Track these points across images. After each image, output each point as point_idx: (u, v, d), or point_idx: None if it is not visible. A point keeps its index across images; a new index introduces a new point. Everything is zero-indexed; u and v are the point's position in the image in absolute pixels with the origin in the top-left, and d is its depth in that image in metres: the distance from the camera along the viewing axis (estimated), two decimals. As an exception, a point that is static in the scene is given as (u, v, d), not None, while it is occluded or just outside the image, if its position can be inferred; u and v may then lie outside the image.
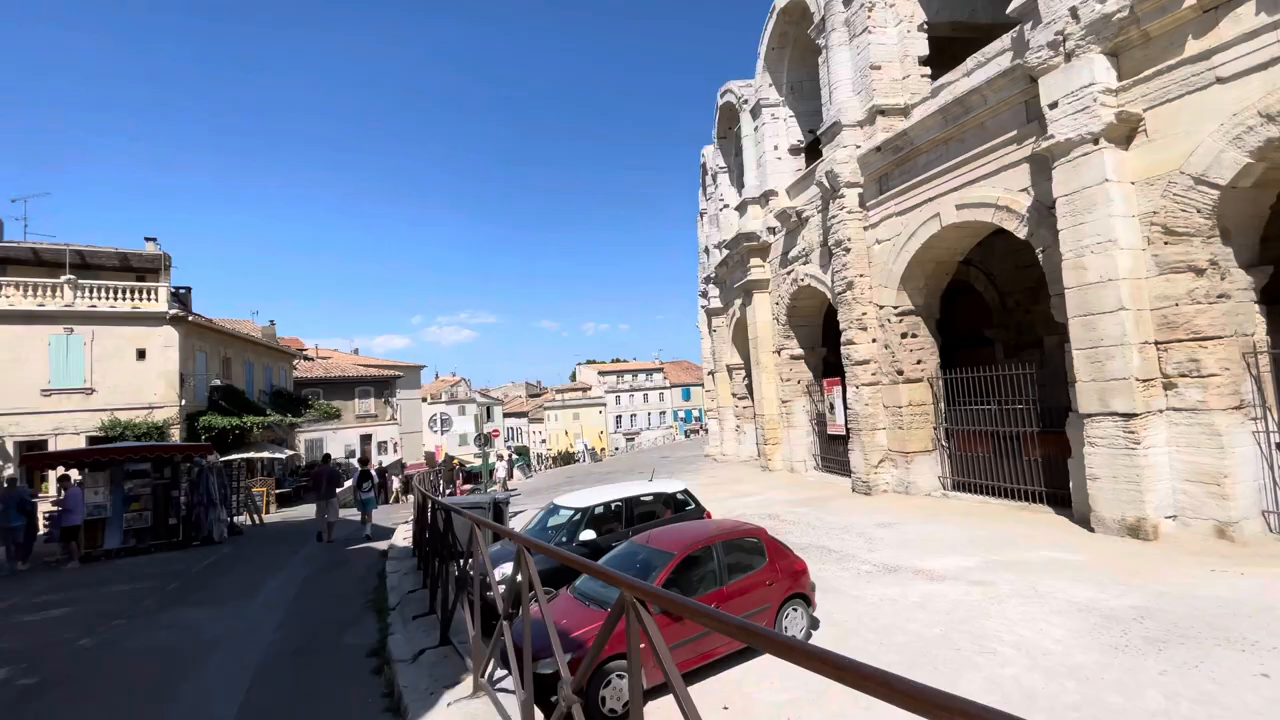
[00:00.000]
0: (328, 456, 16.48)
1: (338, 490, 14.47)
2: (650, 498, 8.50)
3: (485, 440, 16.02)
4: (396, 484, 25.00)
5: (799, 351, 18.12)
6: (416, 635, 5.74)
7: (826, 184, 14.33)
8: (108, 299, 18.89)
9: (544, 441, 77.09)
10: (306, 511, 21.95)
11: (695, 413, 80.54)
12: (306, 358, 40.35)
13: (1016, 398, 11.55)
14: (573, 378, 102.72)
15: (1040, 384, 11.52)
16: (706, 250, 25.99)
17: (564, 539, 7.63)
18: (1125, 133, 9.21)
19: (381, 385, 40.10)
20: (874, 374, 13.73)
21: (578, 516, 7.87)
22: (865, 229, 14.00)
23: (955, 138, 11.90)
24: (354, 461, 36.54)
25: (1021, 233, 10.65)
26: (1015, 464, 11.54)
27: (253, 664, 6.15)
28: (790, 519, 11.81)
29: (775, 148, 19.21)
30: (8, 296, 17.72)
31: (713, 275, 24.49)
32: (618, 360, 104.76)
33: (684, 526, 6.70)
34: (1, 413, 17.08)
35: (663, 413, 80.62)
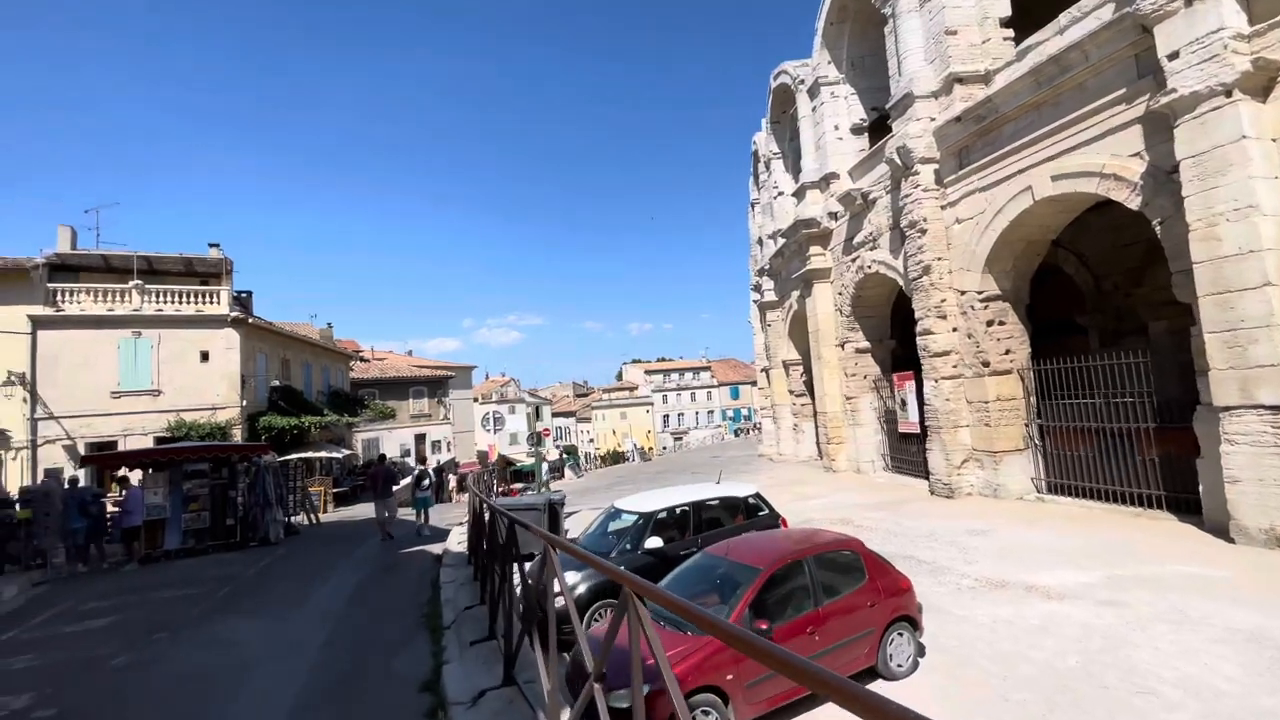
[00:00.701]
0: (384, 456, 16.40)
1: (394, 489, 14.51)
2: (719, 502, 7.77)
3: (537, 439, 15.59)
4: (453, 482, 25.04)
5: (865, 344, 17.01)
6: (475, 669, 5.06)
7: (898, 160, 13.25)
8: (173, 303, 19.41)
9: (591, 441, 77.03)
10: (363, 511, 22.09)
11: (745, 411, 79.06)
12: (363, 359, 41.19)
13: (1124, 390, 10.27)
14: (619, 377, 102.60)
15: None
16: (760, 241, 25.00)
17: (628, 546, 6.98)
18: (1263, 83, 7.96)
19: (435, 385, 40.57)
20: (955, 366, 12.60)
21: (641, 522, 7.20)
22: (943, 208, 12.86)
23: (1048, 102, 10.70)
24: (409, 460, 37.05)
25: (1133, 203, 9.41)
26: (1125, 464, 10.26)
27: (288, 698, 5.46)
28: (866, 524, 10.85)
29: (835, 128, 18.13)
30: (79, 302, 18.38)
31: (766, 267, 23.49)
32: (664, 359, 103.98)
33: (767, 537, 5.94)
34: (74, 414, 17.73)
35: (710, 412, 79.45)
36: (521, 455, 55.48)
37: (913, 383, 14.61)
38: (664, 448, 68.37)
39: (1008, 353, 12.19)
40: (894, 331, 17.23)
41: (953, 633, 6.16)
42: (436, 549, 12.11)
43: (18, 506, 11.03)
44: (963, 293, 12.50)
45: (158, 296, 19.21)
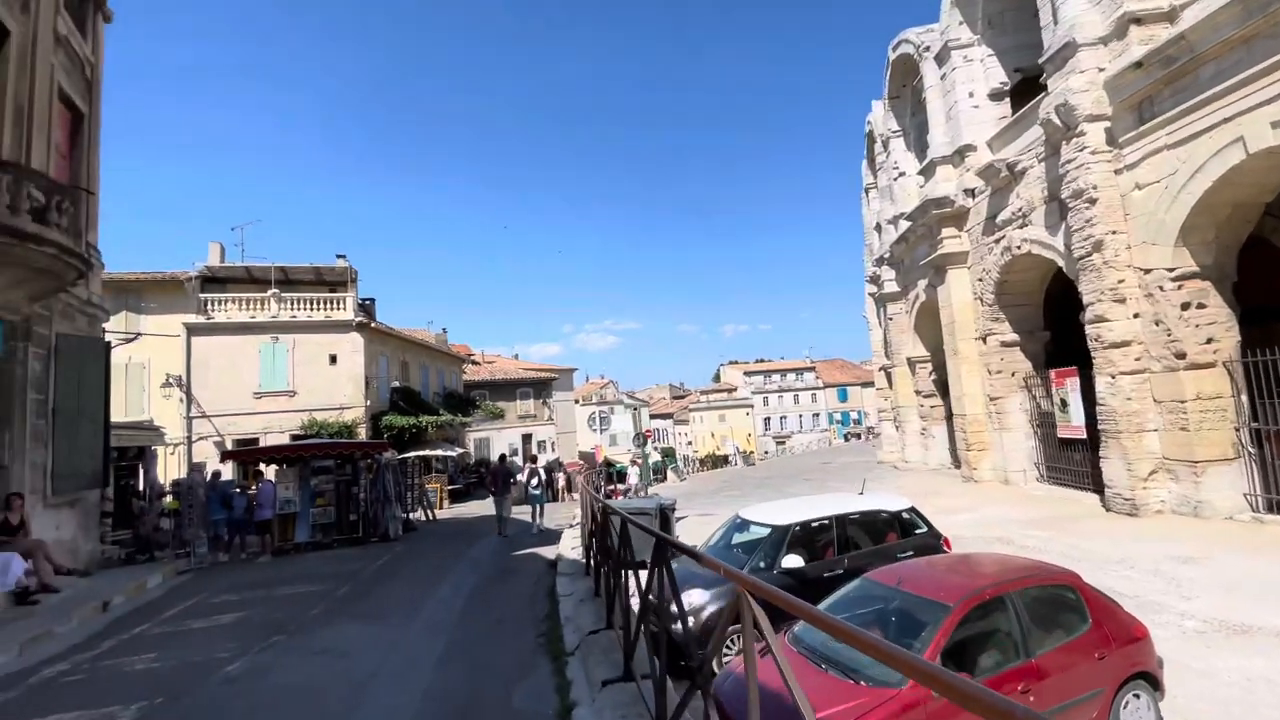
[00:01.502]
0: (504, 456, 16.71)
1: (511, 486, 14.95)
2: (866, 516, 6.68)
3: (642, 440, 15.03)
4: (562, 481, 25.16)
5: (1012, 337, 15.00)
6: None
7: (1057, 121, 11.41)
8: (305, 310, 20.83)
9: (689, 443, 75.97)
10: (475, 508, 22.59)
11: (855, 415, 75.05)
12: (474, 362, 42.85)
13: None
14: (716, 378, 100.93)
15: None
16: (878, 228, 23.13)
17: (760, 564, 6.10)
18: None
19: (540, 387, 41.45)
20: (1138, 359, 10.61)
21: (775, 536, 6.29)
22: (1117, 172, 10.91)
23: (1263, 33, 8.67)
24: (518, 459, 38.01)
25: None
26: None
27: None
28: (1031, 545, 9.26)
29: (970, 95, 16.23)
30: (226, 310, 20.12)
31: (887, 255, 21.62)
32: (762, 360, 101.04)
33: (948, 564, 4.87)
34: (222, 413, 19.40)
35: (815, 415, 76.01)
36: (620, 456, 55.66)
37: (1075, 379, 12.61)
38: (765, 452, 66.11)
39: (1209, 341, 10.08)
40: (1047, 322, 15.10)
41: (1195, 692, 4.78)
42: (549, 552, 11.72)
43: (169, 498, 11.98)
44: (1146, 271, 10.50)
45: (292, 304, 20.70)
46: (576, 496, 21.30)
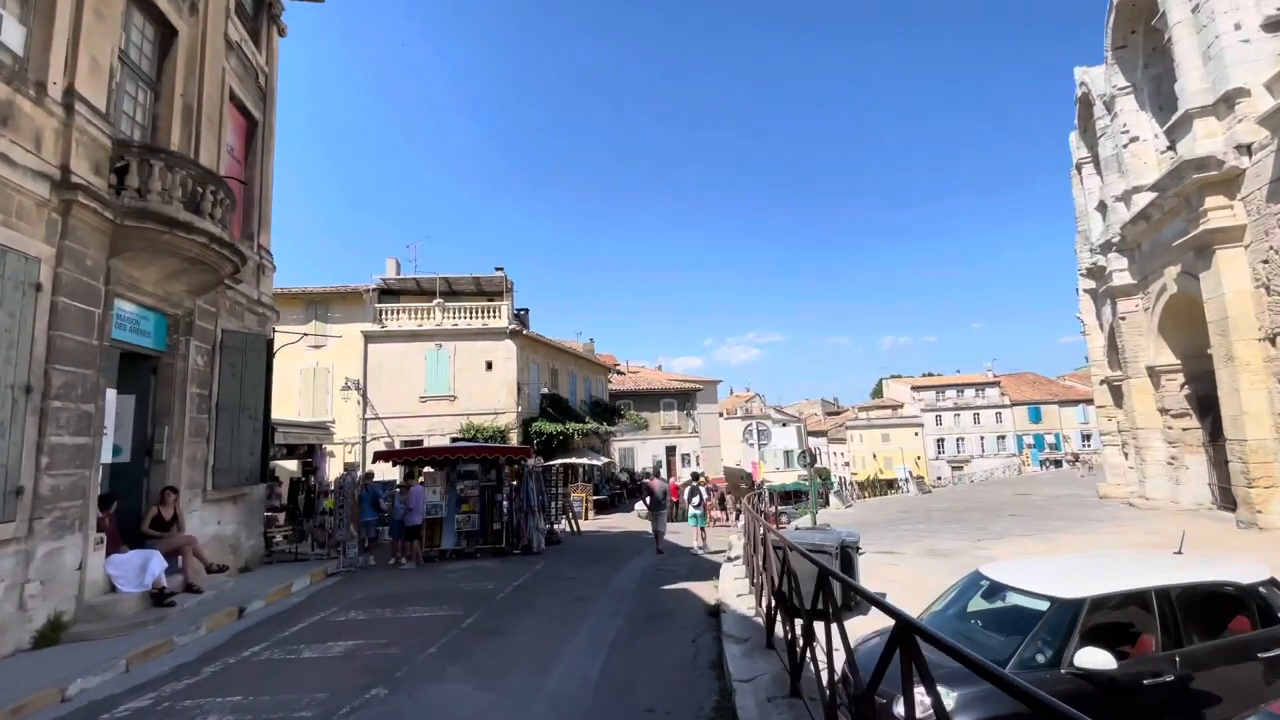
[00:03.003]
0: (657, 471, 16.05)
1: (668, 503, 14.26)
2: (1192, 590, 4.21)
3: (811, 459, 13.16)
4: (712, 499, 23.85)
5: (1323, 336, 10.96)
6: None
7: None
8: (465, 318, 21.78)
9: (847, 464, 70.20)
10: (619, 521, 21.87)
11: (1048, 438, 64.79)
12: (619, 372, 43.10)
13: None
14: (876, 394, 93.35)
15: None
16: (1101, 207, 18.94)
17: (1038, 657, 4.01)
18: None
19: (684, 398, 40.52)
20: None
21: (1059, 614, 4.10)
22: None
23: None
24: (663, 471, 37.22)
25: None
26: None
27: None
28: None
29: (1237, 27, 12.42)
30: (398, 320, 21.60)
31: (1116, 240, 17.50)
32: (929, 374, 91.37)
33: None
34: (392, 416, 20.73)
35: (1000, 437, 66.63)
36: (774, 475, 52.65)
37: None
38: (938, 478, 58.99)
39: None
40: (1386, 314, 10.86)
41: None
42: (706, 591, 9.86)
43: (330, 498, 12.44)
44: None
45: (454, 313, 21.76)
46: (718, 515, 19.73)
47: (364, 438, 20.37)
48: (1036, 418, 66.06)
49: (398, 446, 20.15)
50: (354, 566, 11.71)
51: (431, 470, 14.03)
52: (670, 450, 38.21)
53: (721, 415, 52.97)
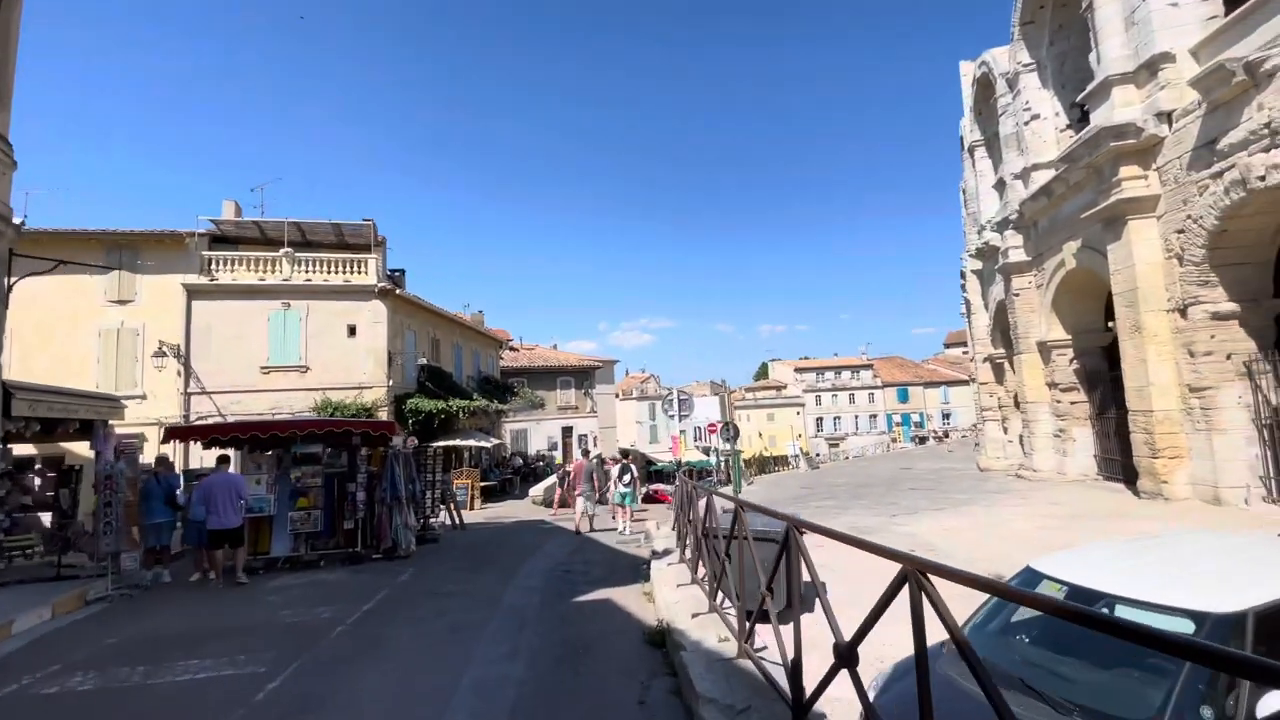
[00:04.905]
0: (587, 450, 14.11)
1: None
2: None
3: (735, 432, 11.73)
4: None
5: (1228, 307, 11.10)
6: None
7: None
8: (321, 272, 18.17)
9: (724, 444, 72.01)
10: (511, 509, 19.62)
11: (914, 417, 69.88)
12: (512, 348, 40.24)
13: None
14: (760, 375, 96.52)
15: None
16: (1001, 184, 19.16)
17: (1201, 710, 2.54)
18: None
19: (582, 376, 38.56)
20: None
21: (1216, 636, 2.63)
22: None
23: None
24: (555, 454, 35.08)
25: None
26: None
27: None
28: None
29: (1161, -6, 12.33)
30: (233, 271, 17.60)
31: (1014, 217, 17.69)
32: (806, 358, 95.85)
33: None
34: (225, 390, 16.89)
35: (873, 415, 71.07)
36: (662, 454, 52.24)
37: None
38: (817, 454, 61.67)
39: None
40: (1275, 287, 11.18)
41: None
42: (638, 603, 7.56)
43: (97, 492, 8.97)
44: None
45: (306, 266, 18.06)
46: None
47: (185, 416, 16.41)
48: (905, 398, 71.10)
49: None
50: (135, 587, 8.55)
51: (237, 452, 10.88)
52: (567, 431, 36.18)
53: (618, 396, 51.65)
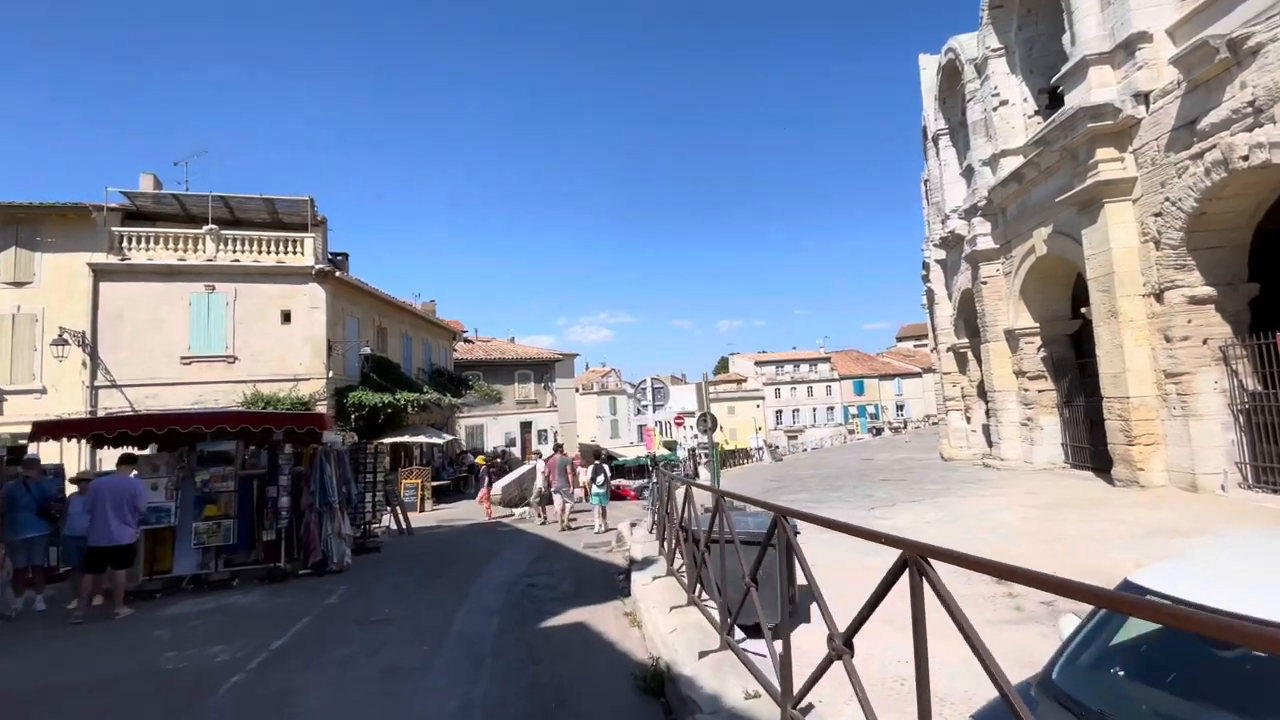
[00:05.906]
0: (560, 446, 13.12)
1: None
2: None
3: (713, 423, 10.94)
4: (585, 477, 20.85)
5: (1205, 291, 10.92)
6: None
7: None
8: (251, 251, 16.47)
9: (695, 436, 71.92)
10: (467, 512, 18.39)
11: (870, 409, 71.02)
12: (467, 340, 38.62)
13: None
14: (721, 369, 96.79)
15: None
16: (969, 171, 18.94)
17: None
18: None
19: (541, 369, 37.30)
20: None
21: None
22: None
23: None
24: (514, 450, 33.80)
25: None
26: None
27: None
28: None
29: (1138, -30, 12.07)
30: (148, 250, 15.77)
31: (981, 204, 17.46)
32: (764, 352, 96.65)
33: None
34: (139, 383, 15.11)
35: (830, 408, 71.96)
36: (623, 449, 51.49)
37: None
38: (777, 446, 62.02)
39: None
40: (1256, 269, 11.06)
41: None
42: (616, 626, 6.45)
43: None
44: None
45: (234, 245, 16.34)
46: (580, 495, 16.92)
47: (92, 412, 14.61)
48: (860, 390, 72.22)
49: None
50: (4, 613, 7.10)
51: (152, 453, 9.17)
52: (526, 426, 34.93)
53: (578, 390, 50.56)
